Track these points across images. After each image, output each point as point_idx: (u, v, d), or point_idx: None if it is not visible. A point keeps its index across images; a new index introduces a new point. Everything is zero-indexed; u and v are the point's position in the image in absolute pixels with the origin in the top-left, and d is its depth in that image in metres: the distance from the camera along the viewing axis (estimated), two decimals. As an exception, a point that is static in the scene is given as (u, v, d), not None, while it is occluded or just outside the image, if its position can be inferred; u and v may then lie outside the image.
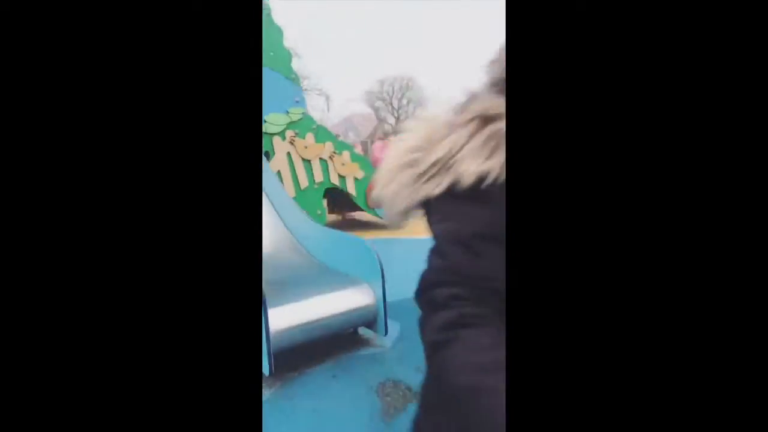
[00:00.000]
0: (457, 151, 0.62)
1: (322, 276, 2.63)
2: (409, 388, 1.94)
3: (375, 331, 2.40)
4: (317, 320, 2.22)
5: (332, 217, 6.43)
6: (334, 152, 5.31)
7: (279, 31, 5.03)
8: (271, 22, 4.92)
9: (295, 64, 5.33)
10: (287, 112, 4.95)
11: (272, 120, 4.79)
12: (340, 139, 5.74)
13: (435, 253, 0.62)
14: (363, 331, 2.52)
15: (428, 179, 0.63)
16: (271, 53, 4.86)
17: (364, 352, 2.36)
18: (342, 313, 2.28)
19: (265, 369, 1.98)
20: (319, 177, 5.19)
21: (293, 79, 5.17)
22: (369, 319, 2.35)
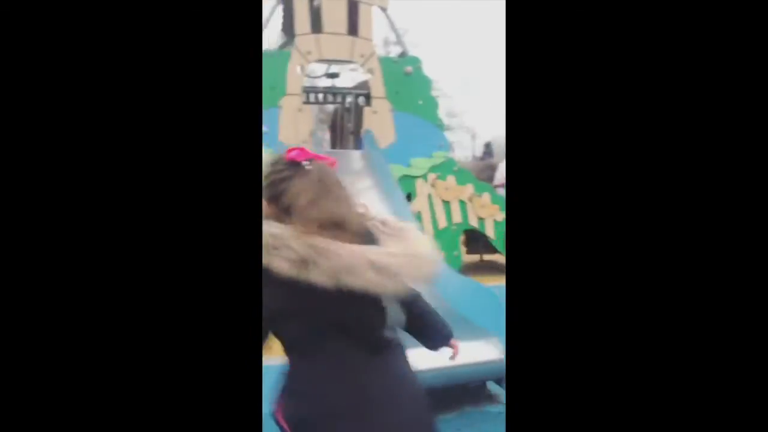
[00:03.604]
0: None
1: (453, 323, 2.65)
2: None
3: (504, 387, 2.34)
4: (443, 368, 2.24)
5: (470, 258, 6.42)
6: (474, 194, 5.35)
7: (428, 81, 5.32)
8: (421, 73, 5.22)
9: (445, 105, 5.55)
10: (431, 156, 5.15)
11: (416, 164, 5.01)
12: (482, 180, 5.77)
13: None
14: (492, 386, 2.47)
15: None
16: (420, 101, 5.14)
17: (491, 409, 2.31)
18: (470, 365, 2.27)
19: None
20: (457, 218, 5.26)
21: (439, 125, 5.40)
22: (498, 374, 2.30)
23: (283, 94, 4.18)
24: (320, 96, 5.53)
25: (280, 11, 4.91)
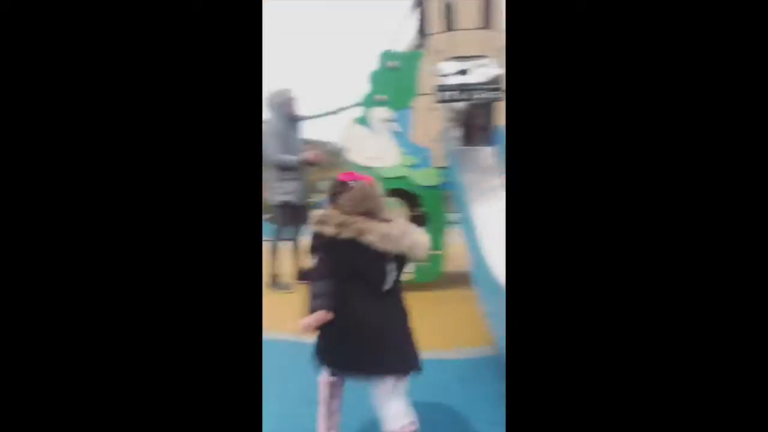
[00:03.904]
0: None
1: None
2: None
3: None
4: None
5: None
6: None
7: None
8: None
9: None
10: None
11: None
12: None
13: None
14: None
15: None
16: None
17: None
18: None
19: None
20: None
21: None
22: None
23: (416, 94, 4.23)
24: (452, 94, 5.52)
25: (416, 14, 4.99)
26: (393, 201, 4.53)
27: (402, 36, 4.85)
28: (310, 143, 5.00)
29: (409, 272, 4.23)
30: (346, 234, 1.46)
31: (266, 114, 4.30)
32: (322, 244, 1.53)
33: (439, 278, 4.27)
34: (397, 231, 1.49)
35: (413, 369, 1.52)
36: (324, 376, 1.63)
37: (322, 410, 1.62)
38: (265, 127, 4.27)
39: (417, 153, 4.25)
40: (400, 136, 4.25)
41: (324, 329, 1.52)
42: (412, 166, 4.25)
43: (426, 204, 4.27)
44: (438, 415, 1.94)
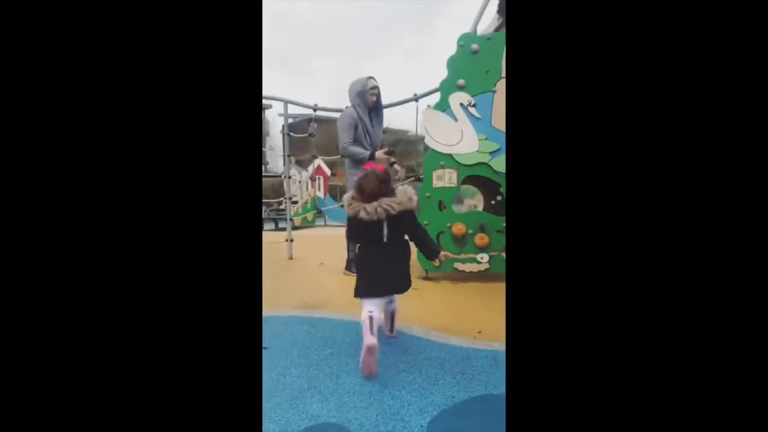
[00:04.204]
0: None
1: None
2: None
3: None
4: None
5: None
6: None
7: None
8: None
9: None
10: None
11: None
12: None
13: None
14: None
15: None
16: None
17: None
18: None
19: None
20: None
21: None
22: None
23: (500, 77, 4.06)
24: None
25: (497, -6, 4.80)
26: (468, 189, 4.38)
27: (482, 18, 4.67)
28: (389, 131, 4.98)
29: (484, 263, 4.06)
30: (352, 213, 2.28)
31: (347, 103, 4.35)
32: (348, 219, 2.35)
33: (518, 270, 4.05)
34: (374, 206, 2.22)
35: (405, 290, 2.39)
36: (365, 313, 2.19)
37: (369, 340, 2.07)
38: (340, 118, 4.31)
39: (499, 138, 4.07)
40: (480, 122, 4.10)
41: (358, 275, 2.38)
42: (493, 152, 4.08)
43: (506, 192, 4.07)
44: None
